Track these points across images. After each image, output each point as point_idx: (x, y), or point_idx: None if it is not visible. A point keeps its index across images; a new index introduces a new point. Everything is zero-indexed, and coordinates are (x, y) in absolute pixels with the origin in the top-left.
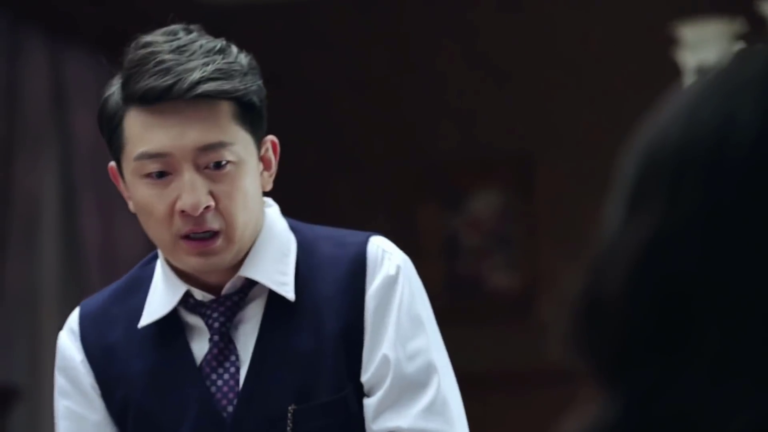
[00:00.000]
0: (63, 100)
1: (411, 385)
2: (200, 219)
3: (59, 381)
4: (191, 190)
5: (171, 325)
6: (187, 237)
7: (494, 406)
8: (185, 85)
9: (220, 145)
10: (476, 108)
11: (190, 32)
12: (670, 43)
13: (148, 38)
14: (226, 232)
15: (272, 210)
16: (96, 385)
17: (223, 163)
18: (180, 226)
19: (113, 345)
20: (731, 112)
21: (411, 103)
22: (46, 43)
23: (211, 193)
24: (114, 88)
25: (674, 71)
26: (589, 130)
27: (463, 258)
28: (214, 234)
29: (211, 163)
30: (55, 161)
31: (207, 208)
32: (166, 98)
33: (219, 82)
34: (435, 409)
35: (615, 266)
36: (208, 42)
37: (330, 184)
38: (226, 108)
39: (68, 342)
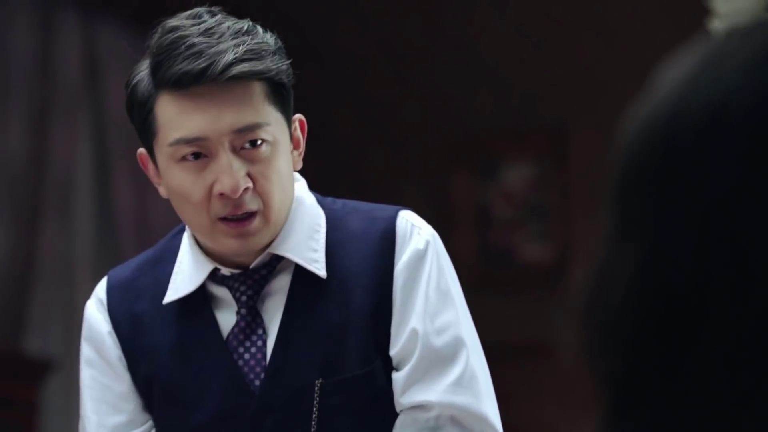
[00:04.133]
0: (96, 70)
1: (439, 359)
2: (238, 201)
3: (85, 350)
4: (229, 173)
5: (198, 297)
6: (224, 219)
7: (526, 376)
8: (219, 67)
9: (255, 126)
10: (510, 77)
11: (214, 15)
12: (705, 11)
13: (174, 22)
14: (264, 213)
15: (300, 185)
16: (122, 357)
17: (259, 142)
18: (218, 208)
19: (140, 317)
20: (718, 109)
21: (445, 72)
22: (79, 13)
23: (249, 175)
24: (142, 74)
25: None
26: (624, 100)
27: (496, 228)
28: (251, 214)
29: (247, 143)
30: (89, 131)
31: (245, 189)
32: (200, 81)
33: (252, 63)
34: (463, 382)
35: (612, 289)
36: (234, 23)
37: (364, 153)
38: (258, 88)
39: (96, 312)
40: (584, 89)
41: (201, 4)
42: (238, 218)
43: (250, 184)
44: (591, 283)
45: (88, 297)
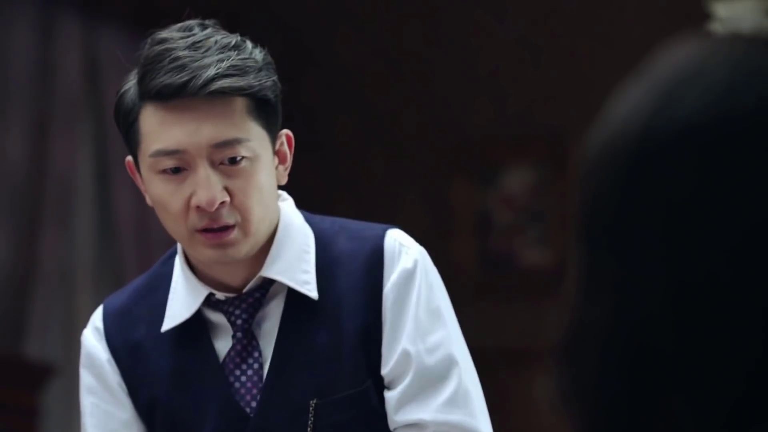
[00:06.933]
0: (97, 77)
1: (432, 378)
2: (216, 214)
3: (85, 378)
4: (206, 187)
5: (194, 323)
6: (203, 230)
7: (526, 381)
8: (200, 81)
9: (235, 141)
10: (509, 83)
11: (205, 28)
12: (704, 18)
13: (163, 34)
14: (242, 226)
15: (287, 204)
16: (123, 384)
17: (238, 158)
18: (196, 221)
19: (137, 344)
20: (683, 143)
21: (444, 79)
22: (80, 19)
23: (227, 189)
24: (130, 84)
25: None
26: None
27: (495, 234)
28: (228, 227)
29: (226, 159)
30: (89, 137)
31: (222, 203)
32: (181, 95)
33: (233, 79)
34: (457, 401)
35: (585, 342)
36: (223, 38)
37: (363, 161)
38: (240, 104)
39: (93, 340)
40: (583, 96)
41: (198, 10)
42: (215, 230)
43: (227, 198)
44: (566, 330)
45: (88, 303)
